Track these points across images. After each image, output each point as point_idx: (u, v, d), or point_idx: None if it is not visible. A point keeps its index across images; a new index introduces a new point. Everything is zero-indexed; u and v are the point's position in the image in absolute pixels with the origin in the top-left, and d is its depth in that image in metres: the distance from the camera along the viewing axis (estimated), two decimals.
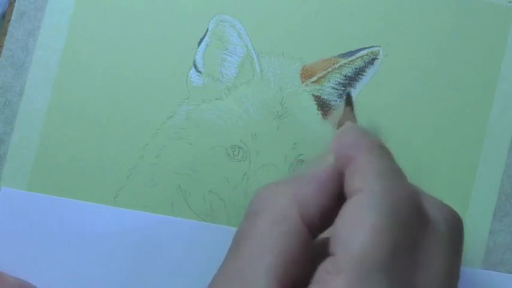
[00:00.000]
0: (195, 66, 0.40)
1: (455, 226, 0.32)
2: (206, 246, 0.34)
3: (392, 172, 0.32)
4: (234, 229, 0.33)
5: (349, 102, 0.40)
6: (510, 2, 0.41)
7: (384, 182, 0.31)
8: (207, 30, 0.40)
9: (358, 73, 0.40)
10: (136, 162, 0.40)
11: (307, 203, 0.32)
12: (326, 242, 0.31)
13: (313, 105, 0.40)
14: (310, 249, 0.32)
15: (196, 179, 0.40)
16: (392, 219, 0.30)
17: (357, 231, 0.29)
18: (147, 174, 0.40)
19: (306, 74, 0.40)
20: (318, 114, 0.40)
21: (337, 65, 0.40)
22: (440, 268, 0.32)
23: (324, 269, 0.29)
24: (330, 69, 0.40)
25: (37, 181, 0.39)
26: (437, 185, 0.40)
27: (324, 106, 0.40)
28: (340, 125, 0.37)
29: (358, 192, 0.30)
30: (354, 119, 0.38)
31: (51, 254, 0.39)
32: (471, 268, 0.39)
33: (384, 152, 0.33)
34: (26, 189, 0.39)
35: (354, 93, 0.40)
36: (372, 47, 0.40)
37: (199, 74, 0.40)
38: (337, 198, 0.32)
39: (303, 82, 0.40)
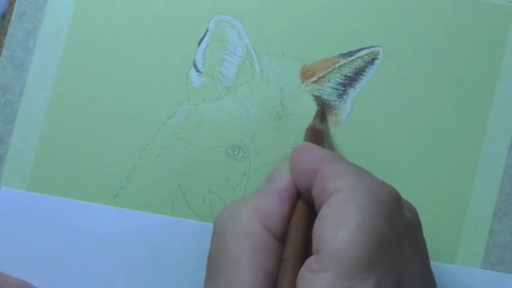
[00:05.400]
0: (195, 66, 0.40)
1: (418, 215, 0.33)
2: (206, 246, 0.34)
3: (366, 171, 0.32)
4: None
5: (320, 103, 0.40)
6: (510, 2, 0.41)
7: (364, 179, 0.31)
8: (207, 30, 0.40)
9: (358, 73, 0.40)
10: (136, 162, 0.40)
11: (268, 213, 0.32)
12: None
13: (313, 105, 0.40)
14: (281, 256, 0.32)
15: (196, 179, 0.40)
16: (376, 214, 0.29)
17: (341, 228, 0.29)
18: (147, 174, 0.40)
19: (306, 74, 0.40)
20: None
21: (337, 65, 0.40)
22: (421, 259, 0.32)
23: (308, 268, 0.29)
24: (330, 69, 0.40)
25: (37, 181, 0.39)
26: (437, 185, 0.40)
27: (324, 106, 0.40)
28: (311, 129, 0.38)
29: (338, 192, 0.30)
30: (321, 122, 0.39)
31: (51, 254, 0.39)
32: (471, 268, 0.39)
33: (345, 159, 0.33)
34: (26, 189, 0.39)
35: (354, 93, 0.40)
36: (372, 47, 0.40)
37: (199, 74, 0.40)
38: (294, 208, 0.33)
39: (303, 82, 0.40)
